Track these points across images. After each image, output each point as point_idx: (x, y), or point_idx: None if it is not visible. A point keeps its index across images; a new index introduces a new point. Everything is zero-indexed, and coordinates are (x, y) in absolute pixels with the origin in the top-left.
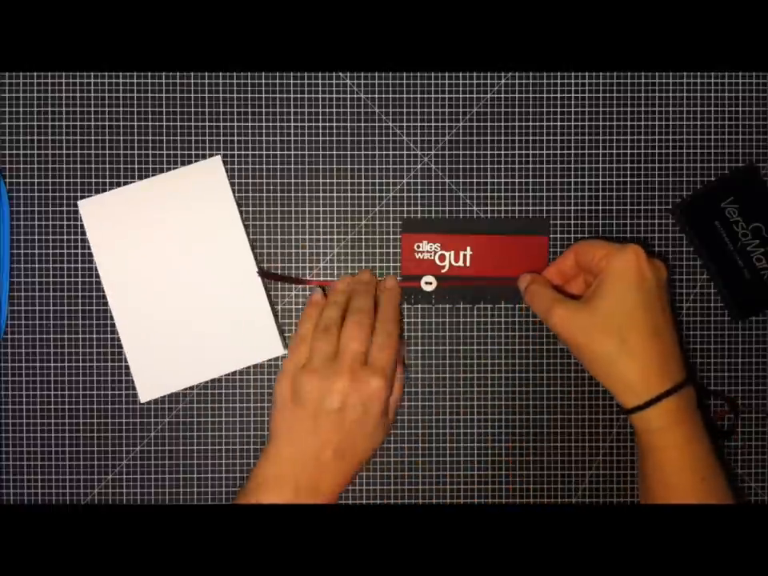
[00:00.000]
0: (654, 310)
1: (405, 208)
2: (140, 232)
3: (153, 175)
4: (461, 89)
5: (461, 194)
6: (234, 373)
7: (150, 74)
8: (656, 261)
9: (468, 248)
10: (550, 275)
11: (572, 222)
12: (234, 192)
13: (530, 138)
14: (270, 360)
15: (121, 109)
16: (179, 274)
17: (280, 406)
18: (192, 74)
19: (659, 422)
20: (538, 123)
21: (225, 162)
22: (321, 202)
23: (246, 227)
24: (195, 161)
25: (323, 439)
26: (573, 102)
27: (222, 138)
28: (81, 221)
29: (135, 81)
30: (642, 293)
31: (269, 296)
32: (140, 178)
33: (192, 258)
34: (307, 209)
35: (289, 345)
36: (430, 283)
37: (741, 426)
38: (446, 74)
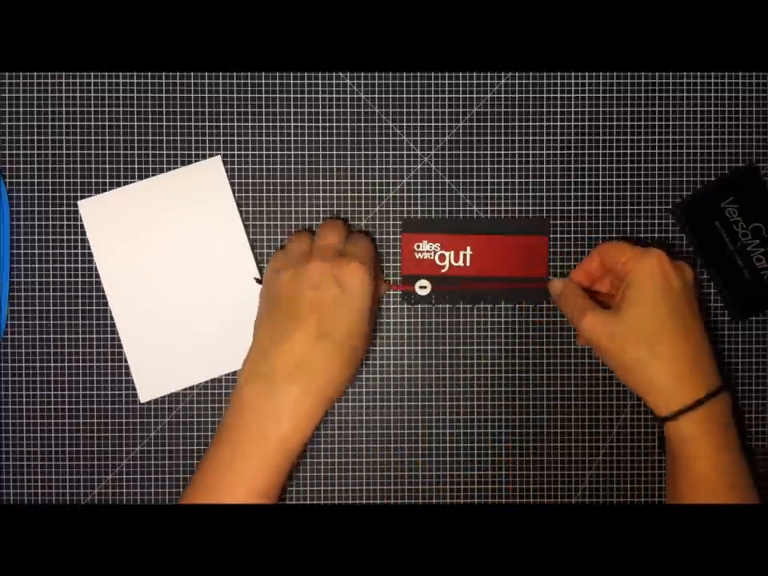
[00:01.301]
0: (682, 314)
1: (405, 208)
2: (140, 232)
3: (153, 175)
4: (461, 89)
5: (461, 194)
6: (233, 373)
7: (149, 73)
8: (681, 263)
9: (468, 248)
10: (578, 277)
11: (572, 221)
12: (233, 192)
13: (530, 137)
14: None
15: (121, 109)
16: (179, 273)
17: (260, 302)
18: (192, 73)
19: (691, 431)
20: (538, 123)
21: (225, 162)
22: (321, 201)
23: (246, 227)
24: (195, 161)
25: (303, 320)
26: (573, 102)
27: (221, 137)
28: (81, 221)
29: (135, 81)
30: (669, 298)
31: None
32: (140, 177)
33: (192, 258)
34: (307, 209)
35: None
36: (425, 287)
37: (740, 426)
38: (446, 74)
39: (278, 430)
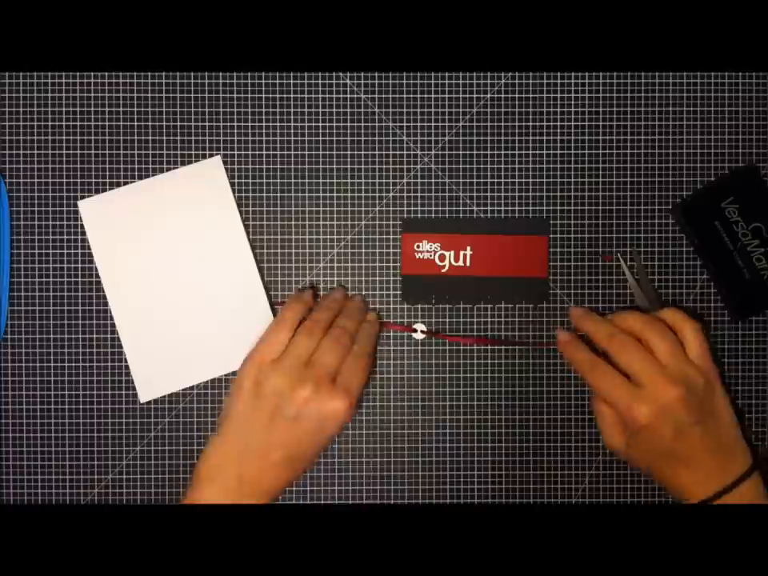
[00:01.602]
0: (704, 411)
1: (405, 208)
2: (140, 232)
3: (153, 175)
4: (461, 89)
5: (461, 194)
6: (233, 373)
7: (150, 73)
8: (693, 368)
9: (468, 248)
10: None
11: (572, 221)
12: (234, 192)
13: (530, 137)
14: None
15: (121, 109)
16: (179, 273)
17: (238, 393)
18: (192, 73)
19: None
20: (538, 123)
21: (225, 162)
22: (321, 201)
23: (246, 227)
24: (195, 161)
25: (275, 441)
26: (573, 102)
27: (222, 137)
28: (81, 221)
29: (135, 81)
30: (687, 408)
31: (269, 296)
32: (140, 177)
33: (192, 258)
34: (307, 209)
35: (266, 329)
36: (423, 332)
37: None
38: (446, 74)
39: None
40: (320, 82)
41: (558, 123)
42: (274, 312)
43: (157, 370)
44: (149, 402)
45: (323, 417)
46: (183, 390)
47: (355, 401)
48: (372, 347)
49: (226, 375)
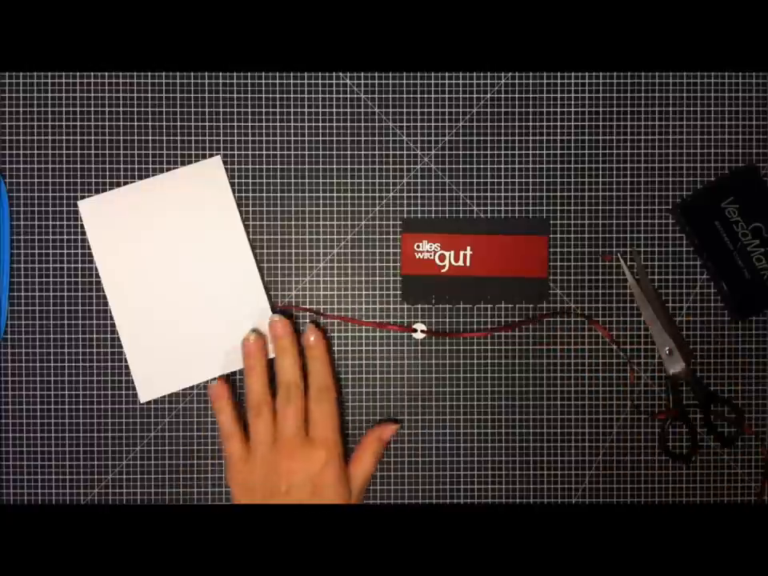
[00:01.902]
0: None
1: (405, 208)
2: (140, 232)
3: (153, 175)
4: (461, 89)
5: (461, 194)
6: (233, 372)
7: (150, 73)
8: None
9: (468, 248)
10: None
11: (572, 221)
12: (234, 192)
13: (530, 137)
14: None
15: (121, 109)
16: (179, 273)
17: (237, 501)
18: (192, 73)
19: None
20: (538, 123)
21: (225, 162)
22: (321, 201)
23: (246, 227)
24: (195, 161)
25: None
26: (573, 102)
27: (222, 137)
28: (81, 221)
29: (135, 81)
30: None
31: (269, 296)
32: (140, 177)
33: (192, 258)
34: (307, 209)
35: (223, 439)
36: (423, 331)
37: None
38: (446, 74)
39: None
40: (320, 81)
41: (558, 123)
42: (275, 302)
43: (157, 370)
44: (149, 402)
45: (311, 476)
46: (183, 390)
47: (334, 439)
48: (327, 376)
49: (225, 375)
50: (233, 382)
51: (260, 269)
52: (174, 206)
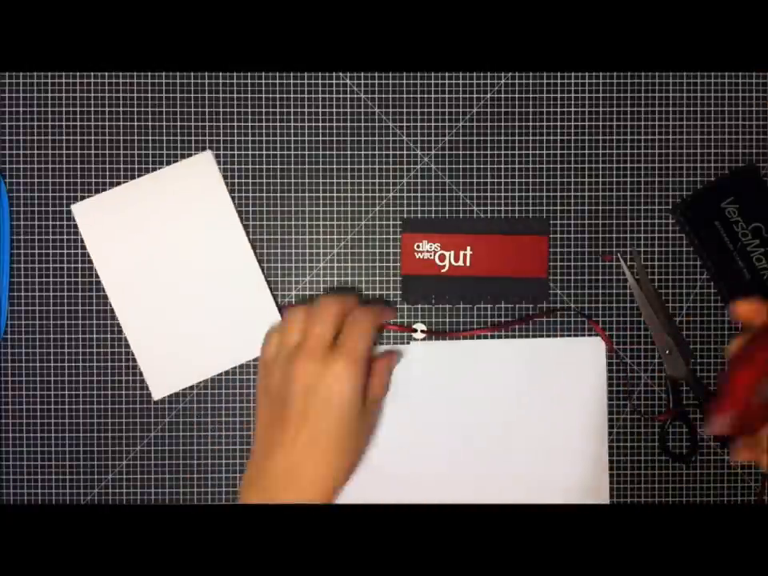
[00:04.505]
0: None
1: (405, 208)
2: (137, 231)
3: None
4: (461, 89)
5: (461, 194)
6: (233, 372)
7: (149, 73)
8: None
9: (468, 248)
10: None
11: (572, 221)
12: (234, 192)
13: (530, 138)
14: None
15: (121, 109)
16: (179, 269)
17: (256, 404)
18: (192, 73)
19: None
20: (538, 123)
21: (225, 162)
22: (321, 201)
23: (246, 227)
24: None
25: (292, 428)
26: (573, 102)
27: (222, 137)
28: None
29: (135, 81)
30: None
31: (269, 285)
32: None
33: (190, 253)
34: (307, 209)
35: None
36: (423, 331)
37: None
38: (446, 74)
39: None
40: (320, 82)
41: (558, 123)
42: (275, 299)
43: (166, 366)
44: (148, 402)
45: (329, 382)
46: (183, 389)
47: (358, 360)
48: (373, 315)
49: (225, 375)
50: (242, 372)
51: (261, 268)
52: (168, 204)
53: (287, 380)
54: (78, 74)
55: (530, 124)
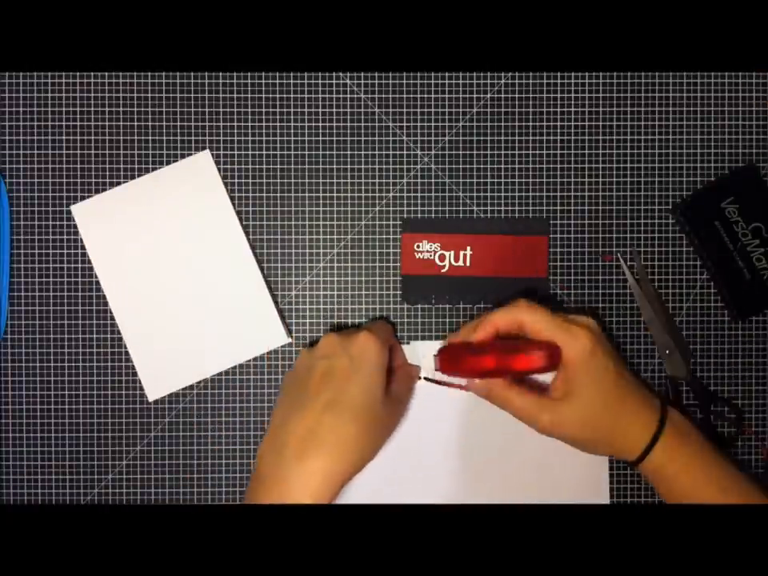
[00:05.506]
0: (617, 378)
1: (405, 208)
2: (136, 231)
3: None
4: (461, 89)
5: (461, 194)
6: (233, 372)
7: (149, 73)
8: (587, 323)
9: (468, 248)
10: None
11: (572, 221)
12: (234, 192)
13: (530, 138)
14: (272, 352)
15: (121, 109)
16: (178, 269)
17: (280, 388)
18: (192, 73)
19: (660, 459)
20: (538, 123)
21: (224, 162)
22: (321, 201)
23: (246, 227)
24: None
25: (313, 392)
26: (573, 102)
27: (222, 137)
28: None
29: (135, 81)
30: (607, 374)
31: (268, 285)
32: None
33: (189, 253)
34: (307, 209)
35: None
36: (426, 378)
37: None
38: (446, 74)
39: (294, 501)
40: (320, 81)
41: (558, 123)
42: (275, 299)
43: (162, 367)
44: (148, 402)
45: (352, 352)
46: (183, 389)
47: (383, 333)
48: (384, 327)
49: (225, 375)
50: (241, 372)
51: (261, 269)
52: (167, 204)
53: (312, 352)
54: (78, 73)
55: (530, 124)
